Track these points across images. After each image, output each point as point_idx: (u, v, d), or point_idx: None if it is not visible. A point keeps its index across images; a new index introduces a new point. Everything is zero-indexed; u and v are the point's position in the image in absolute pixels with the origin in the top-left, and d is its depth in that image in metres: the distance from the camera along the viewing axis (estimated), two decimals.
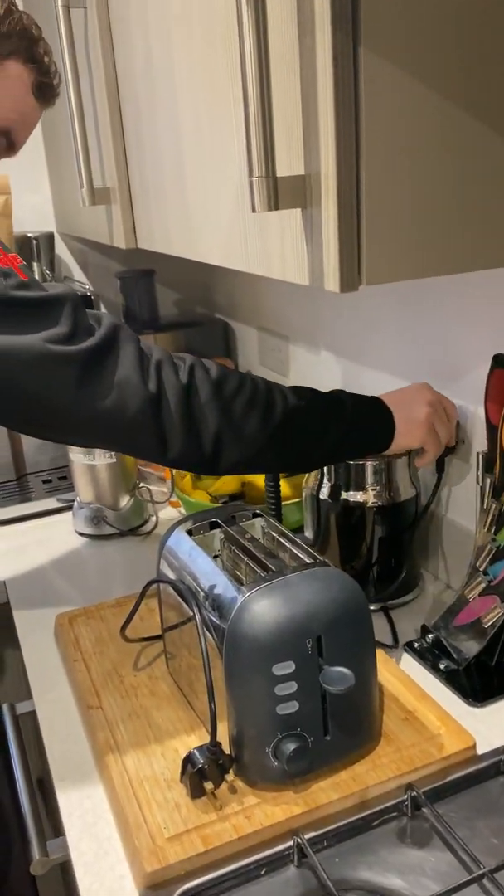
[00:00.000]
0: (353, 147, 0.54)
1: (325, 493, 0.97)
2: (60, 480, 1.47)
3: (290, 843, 0.64)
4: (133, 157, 1.01)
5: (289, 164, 0.59)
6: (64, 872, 1.12)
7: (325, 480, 0.97)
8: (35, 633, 1.01)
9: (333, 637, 0.66)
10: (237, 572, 0.74)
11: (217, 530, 0.81)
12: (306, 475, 1.02)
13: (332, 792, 0.68)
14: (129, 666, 0.88)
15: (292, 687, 0.65)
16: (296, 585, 0.66)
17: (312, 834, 0.65)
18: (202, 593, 0.71)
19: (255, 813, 0.67)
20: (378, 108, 0.53)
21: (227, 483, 1.22)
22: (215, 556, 0.78)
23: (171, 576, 0.79)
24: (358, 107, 0.53)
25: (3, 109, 0.82)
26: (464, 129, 0.56)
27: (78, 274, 1.69)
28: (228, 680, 0.66)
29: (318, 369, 1.34)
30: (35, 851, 0.79)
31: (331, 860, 0.64)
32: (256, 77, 0.54)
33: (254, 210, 0.57)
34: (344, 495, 0.95)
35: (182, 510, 1.35)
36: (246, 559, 0.74)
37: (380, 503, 0.95)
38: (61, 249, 1.66)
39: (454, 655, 0.86)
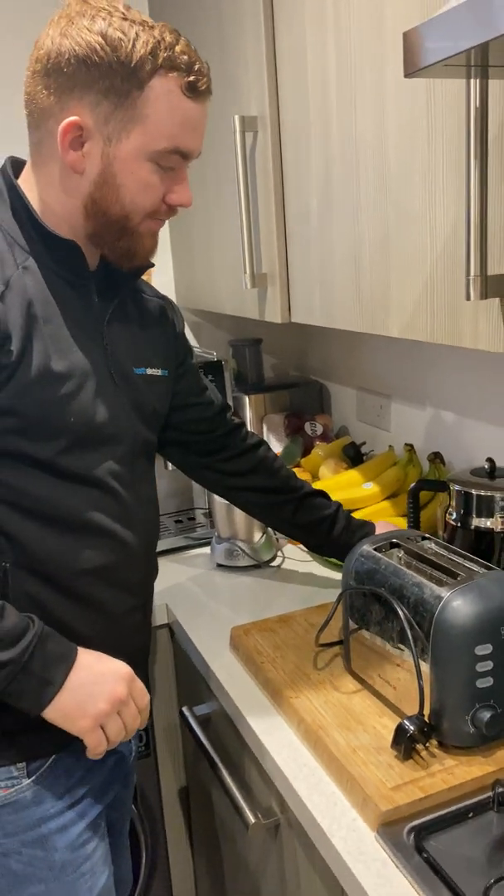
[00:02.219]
0: None
1: (455, 518, 1.16)
2: (188, 521, 1.66)
3: (490, 793, 0.81)
4: (295, 249, 1.23)
5: (494, 266, 0.80)
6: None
7: (456, 507, 1.16)
8: (210, 646, 1.18)
9: None
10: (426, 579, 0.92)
11: (396, 549, 0.99)
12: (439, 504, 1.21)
13: None
14: (309, 667, 1.05)
15: (489, 665, 0.82)
16: (486, 585, 0.85)
17: (502, 790, 0.81)
18: (402, 595, 0.89)
19: (455, 771, 0.83)
20: None
21: None
22: None
23: (357, 583, 0.97)
24: None
25: (168, 127, 0.83)
26: None
27: (193, 341, 1.92)
28: (435, 662, 0.84)
29: (421, 424, 1.53)
30: (250, 817, 0.95)
31: None
32: (478, 210, 0.75)
33: (468, 299, 0.78)
34: (475, 522, 1.14)
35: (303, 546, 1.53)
36: (431, 570, 0.92)
37: None
38: None
39: None
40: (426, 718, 0.85)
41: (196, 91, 0.84)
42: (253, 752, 0.99)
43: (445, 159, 0.86)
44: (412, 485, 1.27)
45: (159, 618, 1.34)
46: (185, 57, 0.83)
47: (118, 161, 0.84)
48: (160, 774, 1.39)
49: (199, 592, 1.37)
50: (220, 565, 1.47)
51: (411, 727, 0.84)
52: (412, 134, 0.90)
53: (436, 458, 1.43)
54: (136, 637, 1.03)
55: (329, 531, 1.22)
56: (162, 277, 1.81)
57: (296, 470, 1.63)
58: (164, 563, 1.50)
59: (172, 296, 1.84)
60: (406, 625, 0.87)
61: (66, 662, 0.85)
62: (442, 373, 1.45)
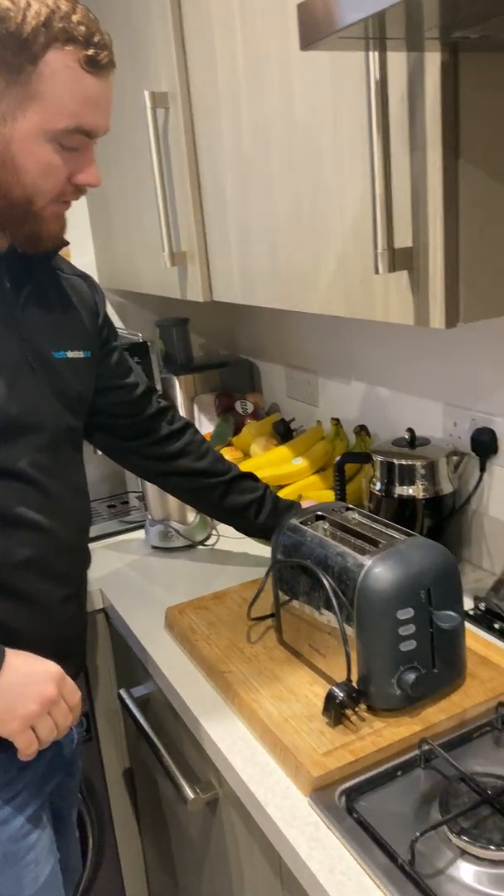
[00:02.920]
0: (454, 229, 0.76)
1: (379, 488, 1.19)
2: (122, 505, 1.65)
3: (416, 751, 0.84)
4: (212, 227, 1.23)
5: (401, 240, 0.81)
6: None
7: (380, 477, 1.19)
8: (145, 628, 1.18)
9: (438, 589, 0.86)
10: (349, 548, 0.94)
11: (321, 521, 1.01)
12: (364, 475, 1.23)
13: (440, 714, 0.88)
14: (243, 641, 1.07)
15: (411, 628, 0.85)
16: (406, 552, 0.87)
17: (428, 748, 0.84)
18: (327, 565, 0.91)
19: (383, 733, 0.86)
20: (470, 201, 0.76)
21: (286, 495, 1.42)
22: None
23: (286, 556, 0.98)
24: (457, 201, 0.76)
25: (68, 104, 0.79)
26: None
27: (118, 322, 1.89)
28: (360, 628, 0.86)
29: (348, 398, 1.56)
30: (189, 793, 0.97)
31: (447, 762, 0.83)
32: (382, 184, 0.76)
33: (377, 272, 0.79)
34: (398, 490, 1.17)
35: None
36: (354, 539, 0.94)
37: (427, 496, 1.17)
38: None
39: None
40: (354, 684, 0.88)
41: (96, 65, 0.79)
42: (190, 729, 1.00)
43: (351, 134, 0.86)
44: (338, 458, 1.29)
45: (94, 603, 1.34)
46: (83, 28, 0.78)
47: (15, 142, 0.79)
48: (103, 758, 1.40)
49: (134, 576, 1.37)
50: (154, 548, 1.47)
51: (340, 694, 0.86)
52: (318, 109, 0.91)
53: (361, 430, 1.46)
54: (71, 627, 1.03)
55: (256, 515, 1.23)
56: (82, 258, 1.78)
57: (227, 449, 1.64)
58: (98, 549, 1.49)
59: (94, 277, 1.81)
60: (331, 594, 0.88)
61: None
62: (365, 347, 1.47)
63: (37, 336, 0.95)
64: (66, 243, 0.97)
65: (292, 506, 1.25)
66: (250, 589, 1.21)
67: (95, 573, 1.39)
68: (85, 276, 1.08)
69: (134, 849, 1.49)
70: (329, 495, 1.36)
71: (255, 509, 1.23)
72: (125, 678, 1.35)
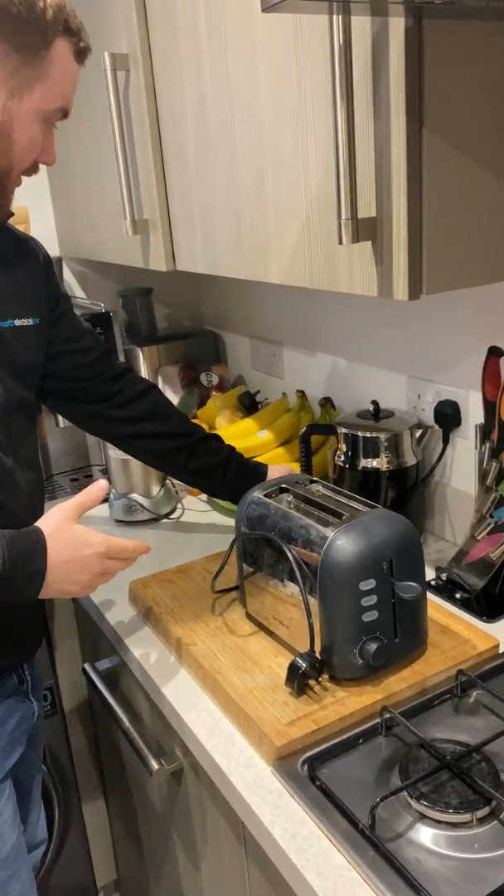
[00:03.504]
0: (417, 199, 0.76)
1: (343, 460, 1.19)
2: (85, 479, 1.63)
3: (378, 719, 0.85)
4: (175, 194, 1.20)
5: (365, 210, 0.80)
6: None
7: (345, 449, 1.19)
8: (109, 601, 1.18)
9: (400, 560, 0.87)
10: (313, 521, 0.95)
11: (285, 494, 1.01)
12: (329, 448, 1.24)
13: (401, 683, 0.89)
14: (207, 613, 1.07)
15: (373, 599, 0.86)
16: (368, 523, 0.87)
17: (389, 716, 0.85)
18: (291, 537, 0.91)
19: (346, 702, 0.87)
20: (434, 170, 0.75)
21: None
22: None
23: (249, 529, 0.98)
24: (421, 170, 0.75)
25: (64, 88, 0.86)
26: (494, 182, 0.79)
27: (80, 293, 1.86)
28: (323, 599, 0.86)
29: (313, 370, 1.55)
30: (153, 764, 0.97)
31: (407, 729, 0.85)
32: (346, 152, 0.75)
33: (341, 242, 0.78)
34: (362, 463, 1.18)
35: (204, 497, 1.53)
36: (318, 511, 0.94)
37: (391, 468, 1.17)
38: (66, 272, 1.83)
39: (466, 587, 1.09)
40: (317, 655, 0.88)
41: (83, 56, 0.89)
42: (154, 701, 1.00)
43: (315, 101, 0.85)
44: (303, 430, 1.29)
45: None
46: (76, 21, 0.86)
47: (18, 117, 0.83)
48: (68, 731, 1.40)
49: None
50: (118, 521, 1.46)
51: (303, 664, 0.87)
52: (282, 74, 0.89)
53: (326, 402, 1.45)
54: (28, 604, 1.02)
55: (223, 475, 1.23)
56: (42, 227, 1.73)
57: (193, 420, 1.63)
58: None
59: (54, 245, 1.77)
60: (295, 566, 0.89)
61: (41, 548, 0.86)
62: (330, 318, 1.46)
63: None
64: (12, 214, 0.95)
65: (259, 467, 1.25)
66: (214, 562, 1.21)
67: None
68: (29, 238, 1.05)
69: (100, 820, 1.50)
70: (295, 467, 1.36)
71: (222, 471, 1.23)
72: (89, 652, 1.35)
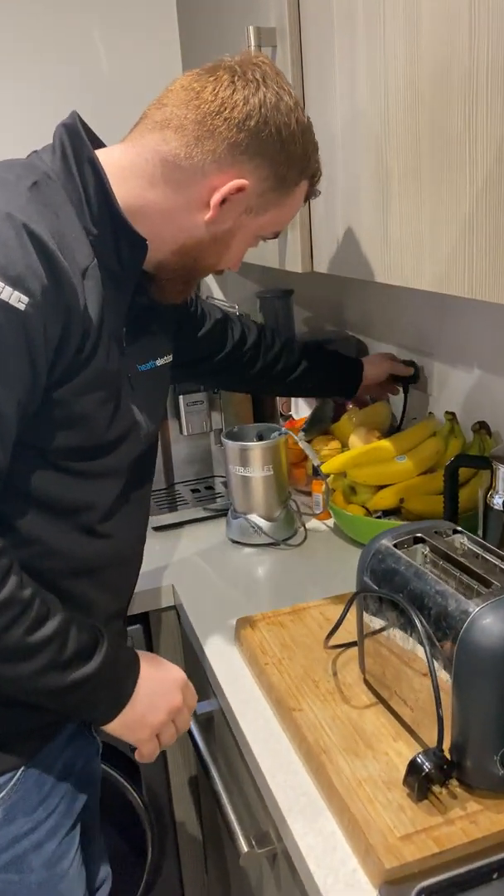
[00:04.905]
0: None
1: (498, 504, 0.99)
2: (207, 490, 1.53)
3: None
4: (318, 186, 1.06)
5: None
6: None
7: (501, 490, 0.99)
8: (214, 636, 1.06)
9: None
10: (451, 586, 0.77)
11: (420, 545, 0.84)
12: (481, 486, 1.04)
13: None
14: (320, 671, 0.92)
15: None
16: None
17: None
18: (423, 604, 0.74)
19: (479, 819, 0.70)
20: None
21: (385, 498, 1.25)
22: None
23: (374, 585, 0.82)
24: None
25: (287, 218, 0.89)
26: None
27: (218, 293, 1.76)
28: (458, 687, 0.69)
29: (468, 388, 1.36)
30: (243, 845, 0.84)
31: None
32: None
33: None
34: None
35: (330, 522, 1.38)
36: (460, 574, 0.77)
37: None
38: None
39: None
40: (446, 753, 0.72)
41: (308, 199, 0.91)
42: (250, 768, 0.87)
43: (492, 69, 0.67)
44: (449, 461, 1.10)
45: (165, 600, 1.23)
46: (318, 166, 0.88)
47: (243, 230, 0.85)
48: (169, 768, 1.30)
49: (208, 572, 1.25)
50: (234, 541, 1.35)
51: (427, 765, 0.70)
52: (452, 42, 0.71)
53: (481, 428, 1.25)
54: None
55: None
56: None
57: (323, 438, 1.48)
58: (177, 537, 1.39)
59: None
60: (426, 641, 0.72)
61: (135, 670, 0.83)
62: (492, 329, 1.26)
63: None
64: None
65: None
66: (333, 605, 1.06)
67: (170, 563, 1.29)
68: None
69: (197, 865, 1.39)
70: (437, 503, 1.17)
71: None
72: (195, 685, 1.24)
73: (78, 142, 0.78)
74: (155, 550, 1.33)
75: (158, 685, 0.84)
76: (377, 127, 0.88)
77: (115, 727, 0.81)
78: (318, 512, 1.42)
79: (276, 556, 1.30)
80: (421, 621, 0.73)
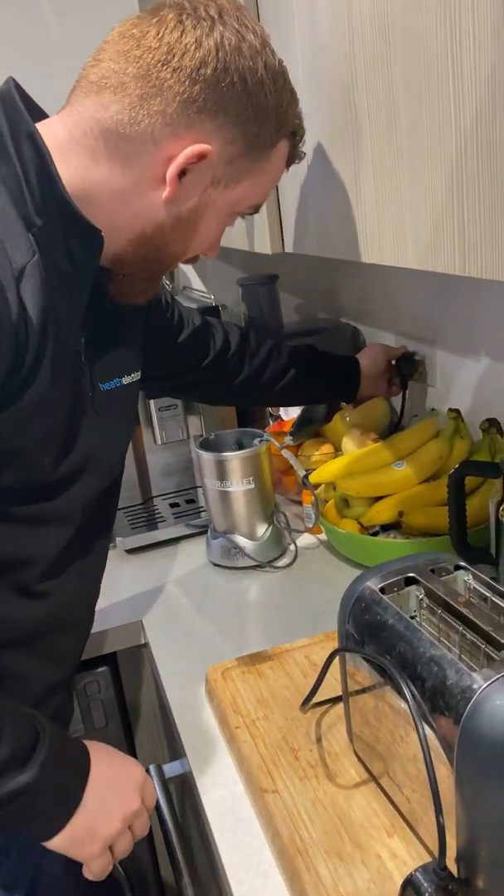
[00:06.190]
0: None
1: None
2: (188, 504, 1.37)
3: None
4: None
5: None
6: None
7: None
8: (183, 685, 0.91)
9: None
10: (453, 645, 0.61)
11: (414, 587, 0.68)
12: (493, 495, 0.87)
13: None
14: (300, 737, 0.76)
15: None
16: None
17: None
18: (416, 672, 0.58)
19: None
20: None
21: (382, 511, 1.08)
22: (412, 618, 0.64)
23: (357, 638, 0.66)
24: None
25: (267, 187, 0.74)
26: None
27: (197, 283, 1.60)
28: (461, 788, 0.53)
29: (474, 379, 1.18)
30: None
31: None
32: None
33: None
34: None
35: (324, 536, 1.22)
36: (463, 629, 0.60)
37: None
38: None
39: None
40: (450, 869, 0.55)
41: (292, 163, 0.76)
42: (214, 862, 0.71)
43: (478, 19, 0.50)
44: (454, 468, 0.94)
45: (134, 638, 1.08)
46: (303, 126, 0.74)
47: (213, 207, 0.70)
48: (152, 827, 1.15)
49: (184, 604, 1.09)
50: (215, 564, 1.19)
51: (427, 887, 0.54)
52: None
53: (490, 426, 1.08)
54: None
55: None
56: None
57: (314, 441, 1.32)
58: (151, 560, 1.24)
59: None
60: (419, 724, 0.56)
61: (83, 771, 0.69)
62: (500, 314, 1.09)
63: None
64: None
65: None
66: (321, 646, 0.90)
67: (141, 592, 1.13)
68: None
69: None
70: (441, 514, 1.01)
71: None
72: (168, 737, 1.09)
73: (14, 113, 0.62)
74: (125, 578, 1.18)
75: (112, 788, 0.70)
76: (342, 67, 0.71)
77: (59, 843, 0.67)
78: (310, 525, 1.26)
79: (262, 580, 1.14)
80: (413, 695, 0.57)
